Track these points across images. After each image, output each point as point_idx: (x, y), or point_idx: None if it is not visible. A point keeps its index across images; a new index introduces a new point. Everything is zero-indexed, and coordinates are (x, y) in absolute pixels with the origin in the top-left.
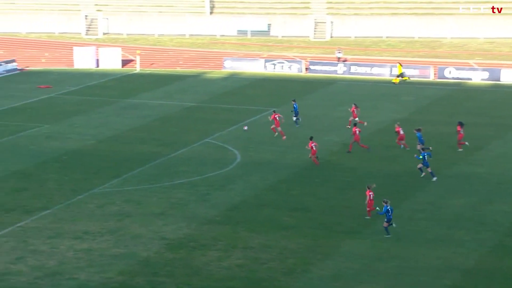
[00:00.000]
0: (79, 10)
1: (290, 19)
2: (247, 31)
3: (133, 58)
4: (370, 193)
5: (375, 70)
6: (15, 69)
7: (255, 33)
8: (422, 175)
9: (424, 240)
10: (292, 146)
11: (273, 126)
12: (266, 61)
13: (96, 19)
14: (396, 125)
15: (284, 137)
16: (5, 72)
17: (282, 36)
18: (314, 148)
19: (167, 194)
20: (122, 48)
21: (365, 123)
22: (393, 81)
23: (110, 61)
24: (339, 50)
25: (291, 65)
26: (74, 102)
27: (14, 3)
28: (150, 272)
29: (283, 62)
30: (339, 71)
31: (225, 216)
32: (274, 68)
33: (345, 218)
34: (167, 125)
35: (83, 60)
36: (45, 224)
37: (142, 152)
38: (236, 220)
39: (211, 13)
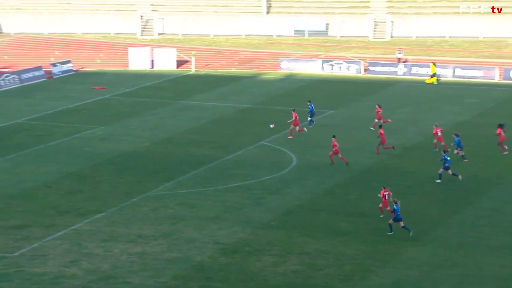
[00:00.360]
0: (135, 10)
1: (349, 19)
2: (304, 31)
3: (188, 59)
4: (386, 192)
5: (437, 71)
6: (71, 70)
7: (312, 33)
8: (460, 178)
9: (487, 248)
10: (349, 149)
11: (292, 125)
12: (323, 62)
13: (152, 19)
14: (434, 126)
15: (291, 137)
16: (60, 73)
17: (341, 36)
18: (336, 148)
19: (222, 198)
20: (177, 49)
21: (390, 120)
22: (427, 81)
23: (165, 62)
24: (399, 50)
25: (349, 66)
26: (128, 103)
27: (70, 4)
28: (204, 277)
29: (341, 63)
30: (399, 72)
31: (281, 220)
32: (332, 69)
33: (405, 224)
34: (221, 127)
35: (138, 61)
36: (99, 227)
37: (196, 154)
38: (292, 225)
39: (267, 12)
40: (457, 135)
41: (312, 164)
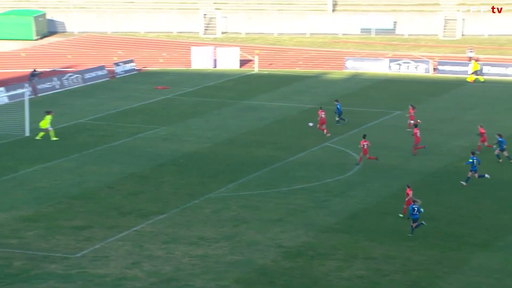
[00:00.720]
0: (198, 9)
1: (418, 16)
2: (371, 29)
3: (251, 58)
4: (411, 191)
5: (511, 71)
6: (133, 70)
7: (379, 31)
8: (487, 177)
9: None
10: (417, 151)
11: (319, 124)
12: (390, 61)
13: (215, 17)
14: (479, 126)
15: (327, 132)
16: (123, 72)
17: (409, 35)
18: (365, 147)
19: (285, 200)
20: (240, 48)
21: (420, 121)
22: (468, 79)
23: (228, 61)
24: (470, 49)
25: (417, 65)
26: (191, 103)
27: (133, 2)
28: (266, 281)
29: (409, 62)
30: (471, 71)
31: (345, 224)
32: (399, 69)
33: (476, 229)
34: (285, 128)
35: (200, 60)
36: (160, 228)
37: (259, 155)
38: (357, 229)
39: (333, 11)
40: (500, 136)
41: (378, 166)
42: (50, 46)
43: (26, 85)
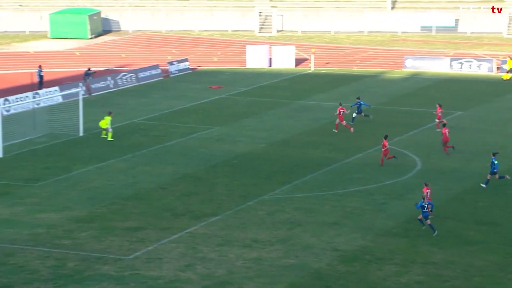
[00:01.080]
0: (253, 7)
1: (481, 14)
2: (431, 27)
3: (307, 57)
4: (427, 190)
5: None
6: (188, 69)
7: (440, 29)
8: (508, 177)
9: None
10: (478, 152)
11: (337, 121)
12: (452, 60)
13: (270, 15)
14: None
15: (352, 128)
16: (177, 71)
17: (471, 33)
18: (386, 148)
19: (341, 203)
20: (296, 47)
21: (445, 121)
22: (503, 77)
23: (283, 60)
24: None
25: (480, 64)
26: (245, 103)
27: (188, 0)
28: (322, 285)
29: (471, 61)
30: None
31: (403, 228)
32: (461, 68)
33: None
34: (341, 128)
35: (255, 59)
36: (214, 230)
37: (314, 157)
38: (416, 233)
39: (392, 8)
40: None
41: (437, 169)
42: (105, 45)
43: (80, 84)
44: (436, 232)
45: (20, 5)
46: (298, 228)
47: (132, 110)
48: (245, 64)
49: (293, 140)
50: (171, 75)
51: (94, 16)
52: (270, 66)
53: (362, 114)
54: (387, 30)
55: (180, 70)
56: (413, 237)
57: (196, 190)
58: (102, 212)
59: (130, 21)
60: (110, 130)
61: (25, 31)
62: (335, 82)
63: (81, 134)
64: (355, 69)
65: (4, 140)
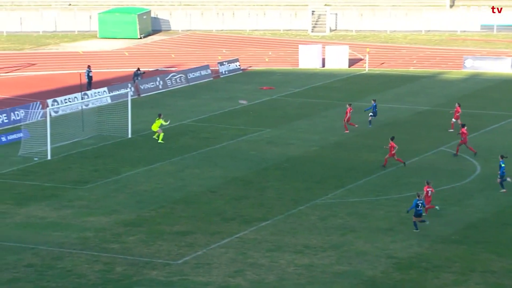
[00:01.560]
0: (306, 5)
1: None
2: (493, 25)
3: (361, 57)
4: (429, 189)
5: None
6: (238, 69)
7: (502, 28)
8: (509, 180)
9: None
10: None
11: (345, 120)
12: None
13: (324, 14)
14: None
15: (356, 125)
16: (227, 72)
17: None
18: (393, 149)
19: (396, 208)
20: (350, 46)
21: (460, 122)
22: None
23: (337, 60)
24: None
25: None
26: (297, 104)
27: None
28: None
29: None
30: None
31: (462, 235)
32: None
33: None
34: (396, 131)
35: (308, 59)
36: (264, 235)
37: (368, 160)
38: (475, 240)
39: (451, 6)
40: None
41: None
42: (154, 44)
43: (129, 85)
44: (418, 229)
45: (69, 4)
46: (351, 234)
47: (181, 112)
48: (298, 65)
49: (346, 143)
50: (221, 76)
51: (144, 16)
52: (323, 66)
53: (370, 117)
54: (445, 29)
55: (230, 71)
56: (472, 244)
57: (246, 194)
58: (150, 215)
59: (180, 20)
60: (161, 131)
61: (74, 31)
62: (391, 83)
63: (129, 136)
64: (412, 69)
65: (52, 142)
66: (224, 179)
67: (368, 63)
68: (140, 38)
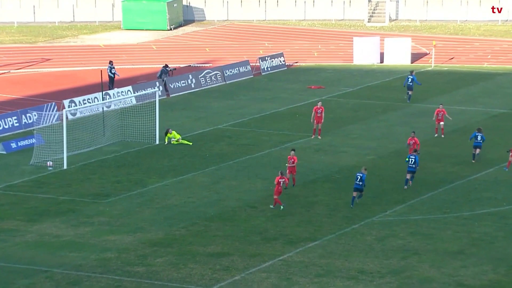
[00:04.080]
0: None
1: None
2: None
3: (426, 51)
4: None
5: None
6: (282, 65)
7: None
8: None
9: None
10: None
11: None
12: None
13: (383, 2)
14: None
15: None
16: (270, 68)
17: None
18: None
19: (467, 227)
20: (412, 39)
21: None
22: None
23: (397, 54)
24: None
25: None
26: (350, 106)
27: None
28: None
29: None
30: None
31: None
32: None
33: None
34: (467, 137)
35: (364, 53)
36: (312, 258)
37: (434, 171)
38: None
39: None
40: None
41: None
42: (186, 37)
43: (157, 84)
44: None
45: None
46: (414, 257)
47: (216, 114)
48: (352, 60)
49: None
50: (263, 73)
51: (174, 4)
52: (382, 62)
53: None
54: None
55: (273, 67)
56: None
57: (291, 210)
58: (181, 234)
59: (216, 9)
60: (180, 140)
61: (94, 21)
62: (461, 81)
63: (157, 142)
64: (486, 65)
65: (68, 149)
66: (266, 192)
67: (434, 58)
68: (170, 29)
